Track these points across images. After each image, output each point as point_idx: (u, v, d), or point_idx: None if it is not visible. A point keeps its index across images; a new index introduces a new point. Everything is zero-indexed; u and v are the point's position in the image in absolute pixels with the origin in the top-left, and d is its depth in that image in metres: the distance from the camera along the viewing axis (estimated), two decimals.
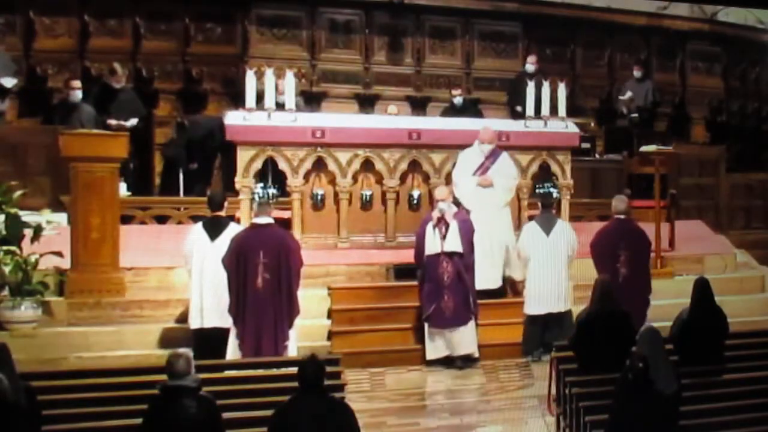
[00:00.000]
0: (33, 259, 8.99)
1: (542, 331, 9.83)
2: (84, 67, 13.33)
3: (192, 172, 12.53)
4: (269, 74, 10.45)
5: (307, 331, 9.25)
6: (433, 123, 11.90)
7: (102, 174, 9.36)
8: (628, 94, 14.81)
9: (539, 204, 10.42)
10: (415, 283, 9.68)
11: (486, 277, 10.02)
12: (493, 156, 10.25)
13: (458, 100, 13.46)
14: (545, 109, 11.26)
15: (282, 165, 10.55)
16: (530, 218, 10.67)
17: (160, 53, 13.81)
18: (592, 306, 7.94)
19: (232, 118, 10.52)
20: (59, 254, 9.15)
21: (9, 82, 11.91)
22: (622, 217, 9.93)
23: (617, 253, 9.72)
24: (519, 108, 11.97)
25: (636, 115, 14.67)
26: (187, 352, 6.09)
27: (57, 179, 11.10)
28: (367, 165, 10.83)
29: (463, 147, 11.03)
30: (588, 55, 16.16)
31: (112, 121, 11.79)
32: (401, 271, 10.25)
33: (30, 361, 8.31)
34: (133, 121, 12.04)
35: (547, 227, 9.98)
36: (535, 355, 9.83)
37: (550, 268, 9.86)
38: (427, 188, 10.98)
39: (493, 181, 10.20)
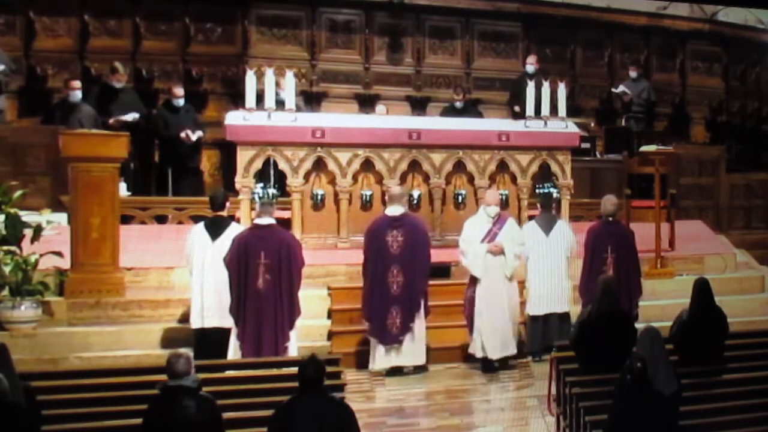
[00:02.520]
0: (33, 259, 8.99)
1: (543, 331, 9.83)
2: (84, 67, 13.34)
3: (181, 173, 12.52)
4: (269, 74, 10.45)
5: (307, 331, 9.26)
6: (433, 123, 11.90)
7: (102, 174, 9.35)
8: (621, 87, 14.88)
9: (539, 204, 10.42)
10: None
11: (500, 344, 9.53)
12: (500, 222, 9.63)
13: (459, 104, 13.44)
14: (545, 109, 11.26)
15: (282, 165, 10.55)
16: (530, 218, 10.68)
17: (160, 53, 13.81)
18: (594, 306, 7.94)
19: (232, 118, 10.52)
20: (59, 254, 9.15)
21: None
22: (610, 218, 9.94)
23: (604, 255, 9.74)
24: (518, 108, 11.92)
25: (638, 108, 14.70)
26: (187, 352, 6.09)
27: (57, 179, 11.11)
28: (367, 165, 10.84)
29: (463, 147, 11.07)
30: (588, 55, 16.17)
31: (112, 120, 11.80)
32: None
33: (30, 361, 8.33)
34: (134, 115, 12.04)
35: (547, 227, 9.99)
36: (537, 355, 9.84)
37: (551, 268, 9.87)
38: (427, 188, 11.00)
39: (503, 248, 9.54)
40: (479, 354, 9.51)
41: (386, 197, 9.84)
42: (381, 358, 9.31)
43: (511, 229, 9.65)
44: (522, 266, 9.93)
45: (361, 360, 9.44)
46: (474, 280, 9.51)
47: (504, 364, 9.59)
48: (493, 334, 9.42)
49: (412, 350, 9.35)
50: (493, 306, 9.42)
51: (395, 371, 9.38)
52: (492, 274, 9.47)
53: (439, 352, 9.68)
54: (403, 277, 9.30)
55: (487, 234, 9.53)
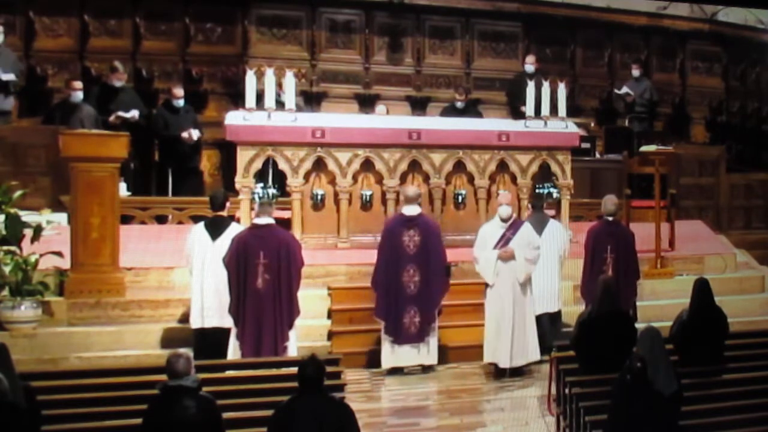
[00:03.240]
0: (33, 259, 8.98)
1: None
2: (84, 67, 13.36)
3: (181, 173, 12.53)
4: (269, 74, 10.45)
5: (307, 331, 9.26)
6: (433, 123, 11.89)
7: (102, 174, 9.35)
8: (624, 89, 14.88)
9: (530, 205, 10.43)
10: None
11: (514, 352, 9.34)
12: (513, 228, 9.44)
13: (460, 105, 13.45)
14: (545, 109, 11.27)
15: (282, 165, 10.55)
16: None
17: (160, 53, 13.82)
18: (594, 306, 7.94)
19: (232, 118, 10.52)
20: (59, 254, 9.15)
21: (7, 77, 11.88)
22: (610, 218, 9.93)
23: (603, 255, 9.74)
24: (522, 108, 11.85)
25: (641, 108, 14.70)
26: (187, 352, 6.08)
27: (57, 179, 11.11)
28: (367, 165, 10.84)
29: (463, 147, 11.08)
30: (588, 55, 16.19)
31: (112, 117, 11.81)
32: None
33: (30, 361, 8.33)
34: (134, 112, 12.04)
35: (540, 228, 9.97)
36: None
37: (543, 269, 9.85)
38: (427, 188, 10.99)
39: (515, 254, 9.34)
40: (490, 359, 9.41)
41: (402, 197, 9.83)
42: (394, 356, 9.32)
43: (525, 233, 9.46)
44: None
45: (361, 360, 9.44)
46: (487, 287, 9.41)
47: (520, 371, 9.46)
48: (506, 341, 9.28)
49: (427, 349, 9.38)
50: (506, 313, 9.27)
51: (396, 371, 9.38)
52: (504, 280, 9.32)
53: (439, 352, 9.67)
54: (419, 276, 9.33)
55: (501, 239, 9.38)
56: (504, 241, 9.39)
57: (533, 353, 9.46)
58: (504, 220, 9.47)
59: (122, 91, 12.34)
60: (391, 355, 9.32)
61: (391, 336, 9.28)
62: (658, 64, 16.56)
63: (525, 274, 9.39)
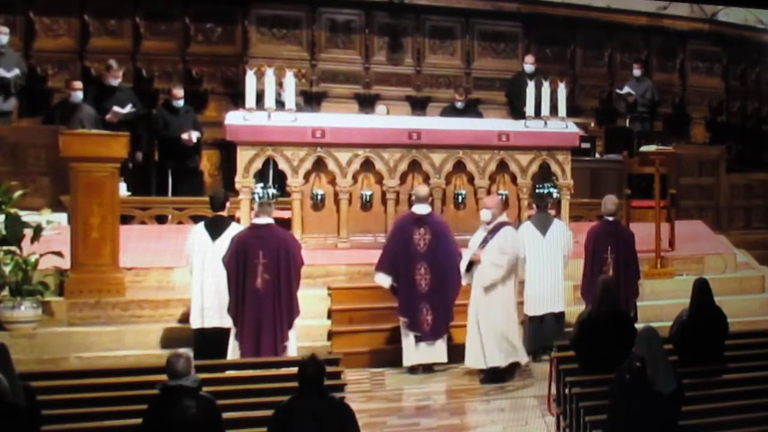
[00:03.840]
0: (33, 259, 8.98)
1: (540, 331, 9.82)
2: (84, 67, 13.36)
3: (181, 172, 12.54)
4: (269, 74, 10.45)
5: (307, 331, 9.26)
6: (433, 123, 11.90)
7: (102, 174, 9.36)
8: (626, 89, 14.87)
9: (534, 205, 10.42)
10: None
11: (499, 352, 9.24)
12: (494, 231, 9.25)
13: (460, 105, 13.44)
14: (545, 109, 11.26)
15: (282, 165, 10.56)
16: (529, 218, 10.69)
17: (160, 53, 13.83)
18: (594, 306, 7.93)
19: (232, 118, 10.52)
20: (59, 254, 9.15)
21: (12, 72, 11.87)
22: (610, 218, 9.92)
23: (603, 255, 9.73)
24: (527, 109, 11.80)
25: (642, 108, 14.70)
26: (187, 352, 6.08)
27: (57, 179, 11.11)
28: (367, 165, 10.84)
29: (463, 147, 11.08)
30: (588, 55, 16.20)
31: (109, 115, 11.81)
32: None
33: (30, 361, 8.34)
34: (129, 108, 12.02)
35: (543, 228, 9.97)
36: (535, 355, 9.83)
37: (548, 269, 9.85)
38: (428, 188, 10.98)
39: (482, 257, 9.18)
40: (479, 365, 9.29)
41: (412, 197, 9.86)
42: (417, 354, 9.34)
43: (500, 238, 9.26)
44: (521, 268, 9.76)
45: (362, 360, 9.44)
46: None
47: (511, 371, 9.43)
48: (494, 342, 9.20)
49: (442, 347, 9.41)
50: (488, 315, 9.18)
51: (411, 370, 9.41)
52: (474, 282, 9.25)
53: None
54: (431, 275, 9.35)
55: (482, 242, 9.30)
56: (484, 244, 9.28)
57: (522, 355, 9.42)
58: (486, 224, 9.37)
59: (119, 90, 12.34)
60: (415, 353, 9.35)
61: (416, 332, 9.32)
62: (658, 64, 16.57)
63: (490, 278, 9.17)
